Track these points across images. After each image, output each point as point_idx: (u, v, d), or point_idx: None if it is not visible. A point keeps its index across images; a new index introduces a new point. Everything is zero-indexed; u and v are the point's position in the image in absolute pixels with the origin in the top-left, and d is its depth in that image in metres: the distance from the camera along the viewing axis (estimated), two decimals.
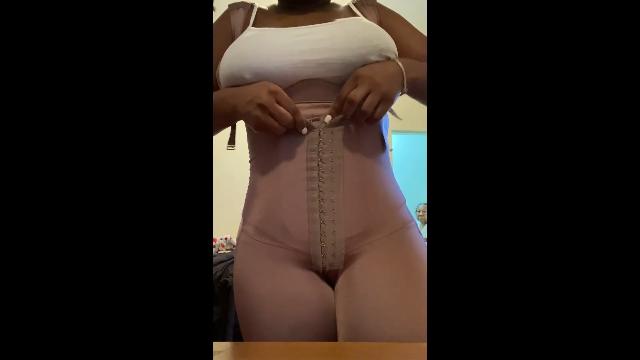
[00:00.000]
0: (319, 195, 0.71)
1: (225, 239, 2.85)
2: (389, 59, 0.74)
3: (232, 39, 0.80)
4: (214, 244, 2.76)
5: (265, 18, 0.83)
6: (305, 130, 0.72)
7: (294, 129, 0.71)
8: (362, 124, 0.72)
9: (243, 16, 0.83)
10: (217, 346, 0.63)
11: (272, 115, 0.69)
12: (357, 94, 0.68)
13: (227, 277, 2.07)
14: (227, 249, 2.80)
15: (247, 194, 0.80)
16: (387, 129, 0.81)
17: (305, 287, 0.72)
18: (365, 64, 0.72)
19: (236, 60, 0.73)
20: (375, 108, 0.70)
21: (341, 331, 0.69)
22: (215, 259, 2.24)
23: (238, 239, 0.80)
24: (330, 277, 0.75)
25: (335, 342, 0.66)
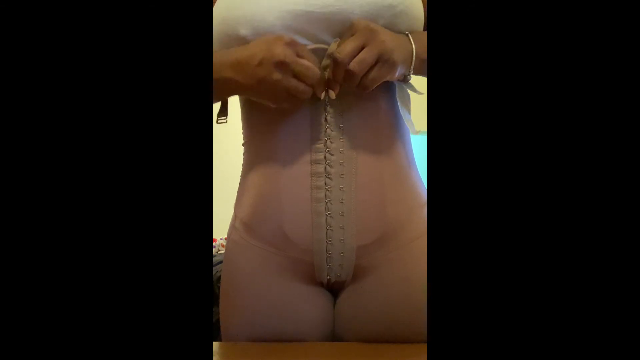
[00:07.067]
0: (325, 195, 0.60)
1: (226, 239, 2.83)
2: (400, 32, 0.59)
3: None
4: (214, 244, 2.76)
5: None
6: (323, 95, 0.58)
7: (299, 109, 0.59)
8: (375, 98, 0.60)
9: None
10: (217, 346, 0.63)
11: (295, 75, 0.54)
12: (346, 47, 0.54)
13: None
14: None
15: (239, 184, 0.69)
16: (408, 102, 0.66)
17: (304, 304, 0.63)
18: None
19: (230, 11, 0.58)
20: (369, 70, 0.55)
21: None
22: (215, 259, 2.24)
23: (229, 236, 0.70)
24: (334, 287, 0.66)
25: (335, 342, 0.65)
